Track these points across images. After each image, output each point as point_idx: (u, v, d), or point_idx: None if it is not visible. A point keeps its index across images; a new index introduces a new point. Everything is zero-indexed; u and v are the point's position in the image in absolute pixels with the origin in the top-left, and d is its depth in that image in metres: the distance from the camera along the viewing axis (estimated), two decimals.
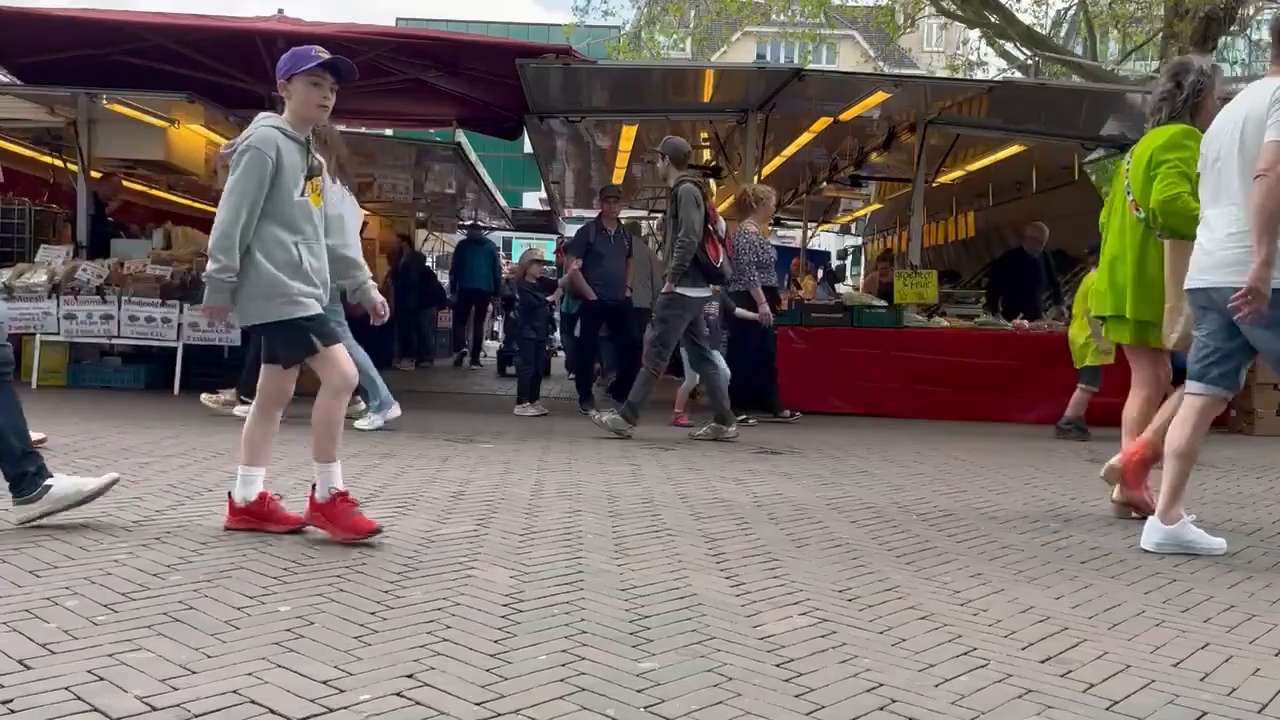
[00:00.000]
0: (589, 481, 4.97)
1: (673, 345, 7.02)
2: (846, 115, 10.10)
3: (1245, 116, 3.65)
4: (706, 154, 13.37)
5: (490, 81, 9.75)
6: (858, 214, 18.07)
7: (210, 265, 3.41)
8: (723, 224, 7.24)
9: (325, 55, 3.47)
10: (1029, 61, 19.22)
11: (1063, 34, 21.39)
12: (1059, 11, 21.91)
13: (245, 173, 3.39)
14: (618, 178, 14.67)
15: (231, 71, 8.96)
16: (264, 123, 3.48)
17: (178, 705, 2.01)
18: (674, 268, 6.86)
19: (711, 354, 7.25)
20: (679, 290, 6.85)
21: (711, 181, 13.91)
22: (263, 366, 3.61)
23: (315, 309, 3.51)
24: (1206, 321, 3.88)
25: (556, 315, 9.78)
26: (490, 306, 16.61)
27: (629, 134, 11.61)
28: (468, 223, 18.48)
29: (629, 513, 4.20)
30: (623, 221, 9.58)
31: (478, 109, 11.05)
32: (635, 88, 9.94)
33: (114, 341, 8.80)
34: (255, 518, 3.59)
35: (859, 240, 21.10)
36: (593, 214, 10.26)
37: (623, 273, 8.57)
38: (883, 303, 9.79)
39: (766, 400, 8.42)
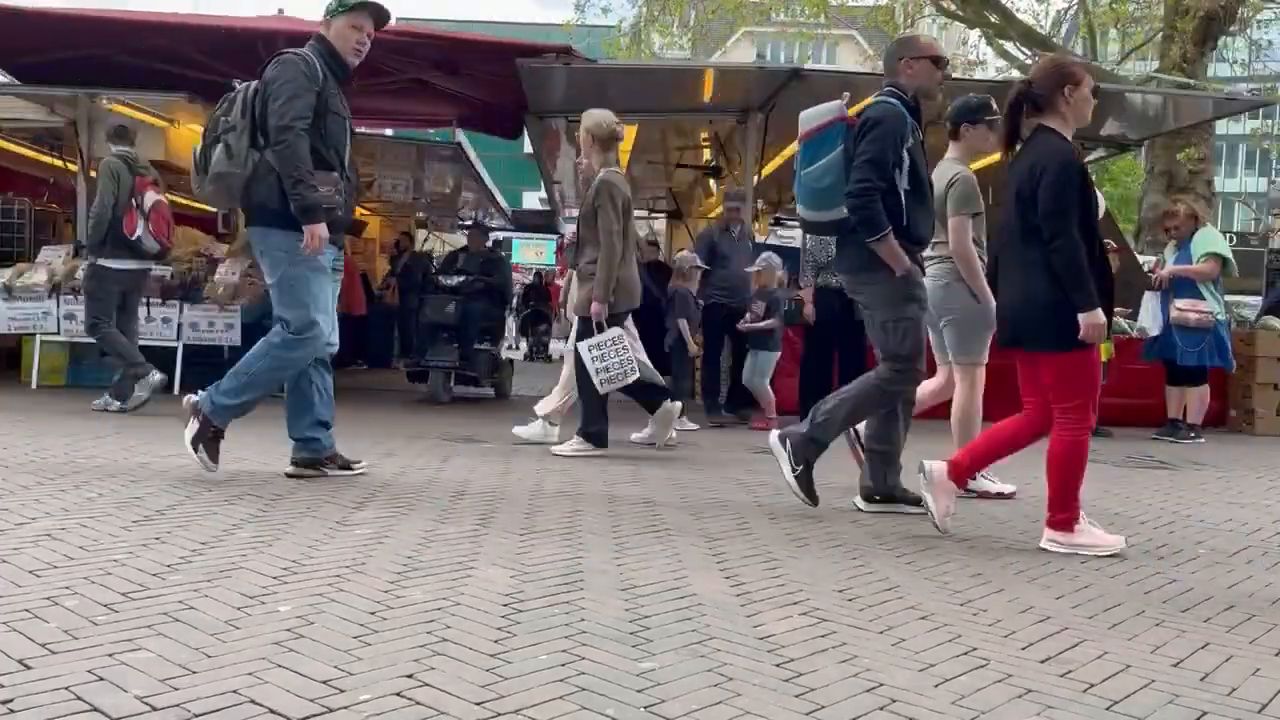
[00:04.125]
0: (589, 481, 4.97)
1: (108, 316, 7.14)
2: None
3: None
4: (707, 154, 13.36)
5: (490, 81, 9.74)
6: None
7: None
8: (150, 197, 7.30)
9: None
10: (1029, 61, 19.22)
11: (1062, 34, 21.40)
12: (1059, 11, 21.93)
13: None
14: None
15: (231, 71, 8.92)
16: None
17: (178, 705, 2.01)
18: (89, 240, 7.21)
19: (134, 331, 7.46)
20: (100, 262, 7.08)
21: (711, 181, 13.90)
22: None
23: None
24: None
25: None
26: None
27: (629, 134, 11.60)
28: (468, 222, 18.54)
29: (629, 513, 4.20)
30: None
31: (478, 109, 11.04)
32: (635, 88, 9.93)
33: None
34: None
35: None
36: None
37: (747, 276, 8.43)
38: None
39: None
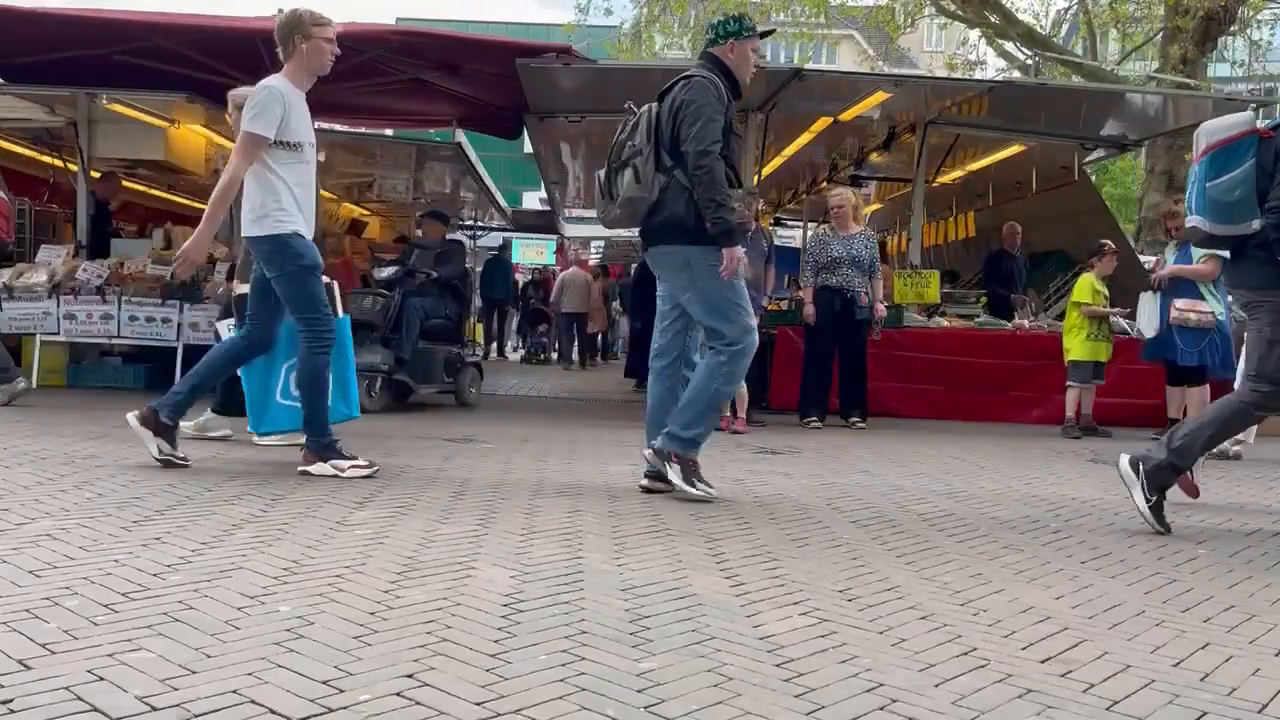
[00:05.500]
0: (589, 481, 4.97)
1: None
2: (846, 115, 10.09)
3: None
4: None
5: (490, 81, 9.74)
6: None
7: None
8: None
9: None
10: (1029, 61, 19.24)
11: (1063, 34, 21.40)
12: (1059, 11, 21.94)
13: None
14: None
15: (231, 71, 8.94)
16: None
17: (178, 705, 2.01)
18: None
19: None
20: None
21: None
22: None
23: None
24: None
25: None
26: (509, 310, 19.82)
27: None
28: (468, 222, 18.67)
29: (629, 513, 4.20)
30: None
31: (478, 109, 11.03)
32: (636, 87, 9.91)
33: (114, 341, 8.79)
34: None
35: None
36: (592, 213, 10.17)
37: (761, 276, 8.31)
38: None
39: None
